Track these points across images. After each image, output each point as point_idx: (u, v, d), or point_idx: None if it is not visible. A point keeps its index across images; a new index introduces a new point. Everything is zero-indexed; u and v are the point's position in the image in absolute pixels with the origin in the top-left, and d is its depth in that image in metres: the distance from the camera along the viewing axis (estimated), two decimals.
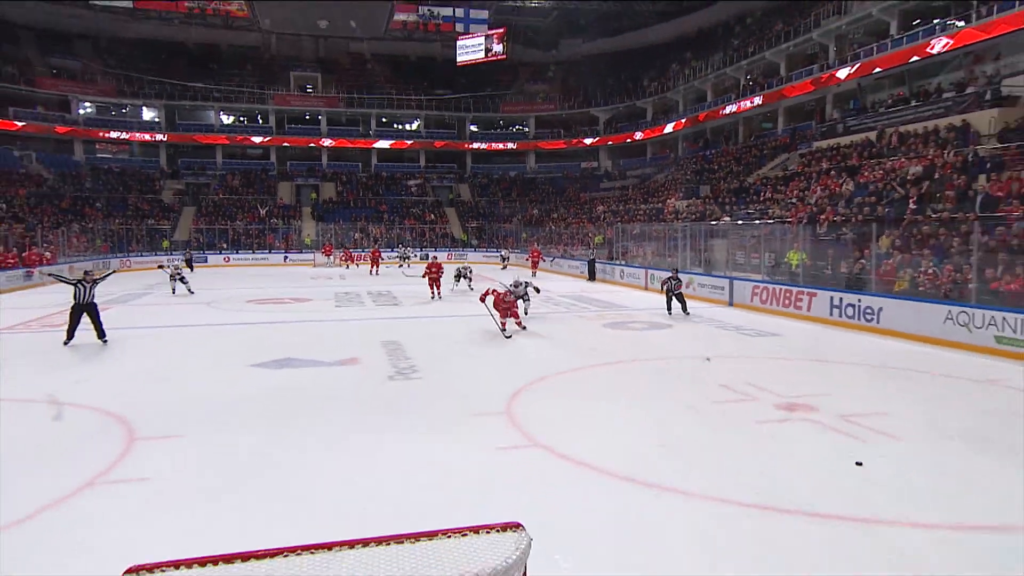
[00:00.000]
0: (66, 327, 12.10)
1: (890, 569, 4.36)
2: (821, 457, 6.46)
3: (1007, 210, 14.95)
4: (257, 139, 48.37)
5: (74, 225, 35.78)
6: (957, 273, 13.65)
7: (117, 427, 7.36)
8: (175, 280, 21.62)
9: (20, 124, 40.55)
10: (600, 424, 7.60)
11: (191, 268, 26.30)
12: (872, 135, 24.93)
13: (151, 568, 2.45)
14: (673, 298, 16.19)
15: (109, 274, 14.69)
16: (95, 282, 12.18)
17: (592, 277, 27.72)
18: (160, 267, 26.77)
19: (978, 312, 11.73)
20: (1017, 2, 21.66)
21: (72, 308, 12.01)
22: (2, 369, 10.51)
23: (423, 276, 20.63)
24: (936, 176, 18.74)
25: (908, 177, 19.64)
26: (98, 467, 6.15)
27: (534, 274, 28.02)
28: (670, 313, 16.09)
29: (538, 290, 14.85)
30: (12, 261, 25.77)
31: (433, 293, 20.10)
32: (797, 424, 7.44)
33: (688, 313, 16.13)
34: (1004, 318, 11.25)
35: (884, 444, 6.77)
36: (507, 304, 12.86)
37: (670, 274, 16.56)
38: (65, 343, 12.01)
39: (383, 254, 33.57)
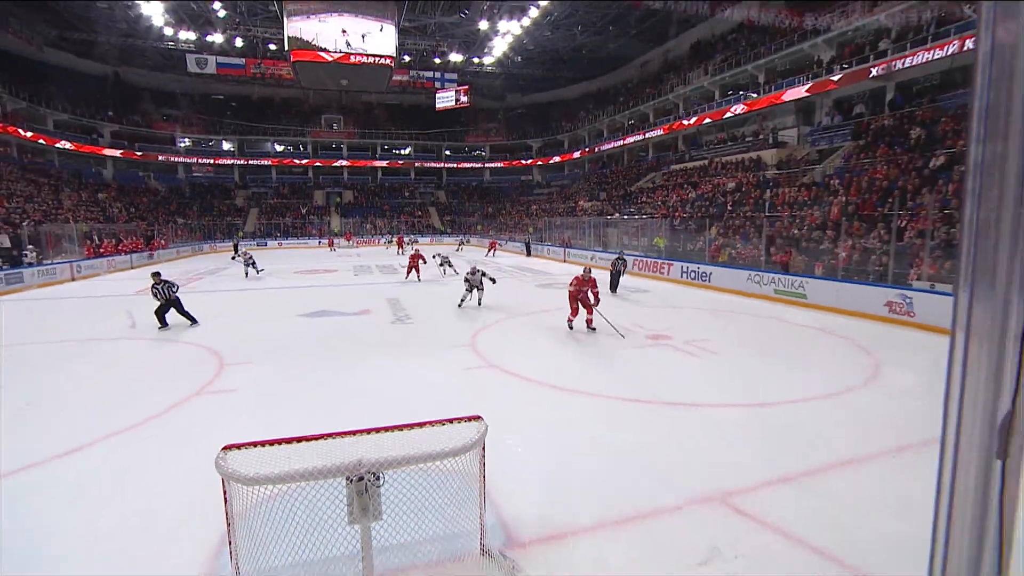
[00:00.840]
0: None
1: (713, 432, 4.60)
2: (673, 368, 6.68)
3: (781, 212, 15.61)
4: (299, 161, 46.57)
5: (179, 221, 34.99)
6: (754, 250, 14.17)
7: (212, 357, 7.17)
8: (247, 265, 18.53)
9: (140, 154, 39.70)
10: (534, 351, 7.67)
11: (237, 252, 23.92)
12: (705, 162, 25.44)
13: (239, 446, 2.43)
14: (615, 275, 13.04)
15: (174, 286, 9.50)
16: (164, 283, 9.18)
17: (528, 253, 27.52)
18: (233, 258, 25.29)
19: (765, 275, 12.20)
20: (785, 85, 22.13)
21: (157, 309, 9.17)
22: (134, 319, 9.99)
23: (395, 250, 17.37)
24: (742, 190, 19.33)
25: (726, 190, 20.19)
26: (202, 382, 6.06)
27: (492, 254, 27.38)
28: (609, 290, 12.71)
29: (493, 280, 11.93)
30: (140, 246, 25.84)
31: (408, 275, 16.08)
32: (659, 348, 7.65)
33: (614, 292, 12.74)
34: (779, 278, 11.80)
35: (710, 358, 7.07)
36: (582, 293, 8.50)
37: (617, 255, 13.70)
38: (161, 328, 9.01)
39: (390, 239, 32.43)
